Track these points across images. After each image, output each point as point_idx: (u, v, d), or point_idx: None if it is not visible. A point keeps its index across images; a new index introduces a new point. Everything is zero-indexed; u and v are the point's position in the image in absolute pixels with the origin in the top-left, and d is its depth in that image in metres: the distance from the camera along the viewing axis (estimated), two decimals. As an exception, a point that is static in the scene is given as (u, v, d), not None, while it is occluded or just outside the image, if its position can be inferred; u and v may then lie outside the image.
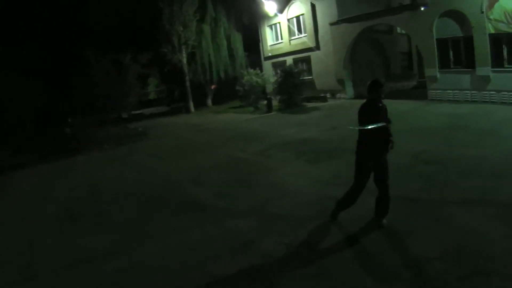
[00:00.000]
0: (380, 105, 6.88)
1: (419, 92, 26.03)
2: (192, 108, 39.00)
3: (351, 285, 5.52)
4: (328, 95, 31.64)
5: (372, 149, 6.89)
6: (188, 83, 38.65)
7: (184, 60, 37.59)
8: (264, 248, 6.96)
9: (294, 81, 29.58)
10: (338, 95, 31.38)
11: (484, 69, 19.93)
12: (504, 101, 19.16)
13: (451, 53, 22.06)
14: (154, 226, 8.93)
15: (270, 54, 38.98)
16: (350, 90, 30.26)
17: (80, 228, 9.50)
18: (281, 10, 35.50)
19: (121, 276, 6.66)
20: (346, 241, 6.85)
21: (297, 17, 34.58)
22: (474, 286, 5.04)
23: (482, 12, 19.27)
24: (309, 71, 34.25)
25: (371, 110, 6.82)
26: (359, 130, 6.89)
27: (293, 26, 35.15)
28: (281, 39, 37.14)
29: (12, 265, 7.89)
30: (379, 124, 6.55)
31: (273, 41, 38.63)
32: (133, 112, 40.64)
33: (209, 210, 9.47)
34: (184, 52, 37.34)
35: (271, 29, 38.47)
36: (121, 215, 10.12)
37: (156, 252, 7.44)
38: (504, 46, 19.24)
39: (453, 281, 5.17)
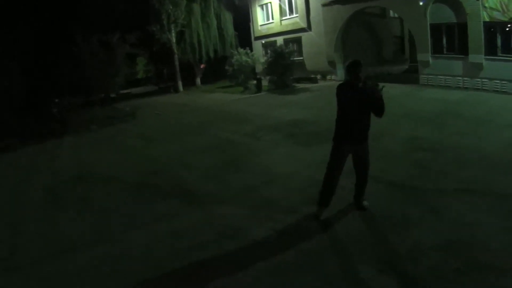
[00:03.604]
0: (360, 86, 6.52)
1: (411, 76, 25.93)
2: (180, 88, 38.79)
3: (344, 275, 5.38)
4: (318, 77, 31.46)
5: (344, 134, 6.72)
6: (177, 63, 38.43)
7: (173, 40, 37.32)
8: (254, 235, 6.79)
9: (284, 61, 29.41)
10: (328, 77, 31.21)
11: (477, 57, 19.80)
12: (496, 89, 19.04)
13: (444, 39, 21.90)
14: (140, 212, 8.71)
15: (260, 34, 38.57)
16: (340, 72, 30.01)
17: (64, 214, 9.24)
18: (272, -11, 35.11)
19: (106, 265, 6.44)
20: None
21: (289, -3, 34.18)
22: (470, 278, 4.92)
23: (478, 0, 19.04)
24: (300, 52, 33.95)
25: (344, 92, 6.66)
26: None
27: (285, 6, 34.82)
28: (272, 19, 36.81)
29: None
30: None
31: (264, 21, 38.29)
32: (121, 92, 40.31)
33: (198, 195, 9.27)
34: (173, 31, 37.06)
35: (262, 8, 38.10)
36: (107, 200, 9.88)
37: (142, 240, 7.24)
38: (498, 35, 19.08)
39: (450, 273, 5.05)
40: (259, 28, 38.68)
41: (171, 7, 35.81)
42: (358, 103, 6.44)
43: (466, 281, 4.88)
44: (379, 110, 6.50)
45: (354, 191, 7.16)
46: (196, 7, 38.06)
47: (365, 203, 7.09)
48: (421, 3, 22.17)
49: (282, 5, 34.89)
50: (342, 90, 6.68)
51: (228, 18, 40.96)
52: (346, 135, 6.68)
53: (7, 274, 6.68)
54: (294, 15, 33.89)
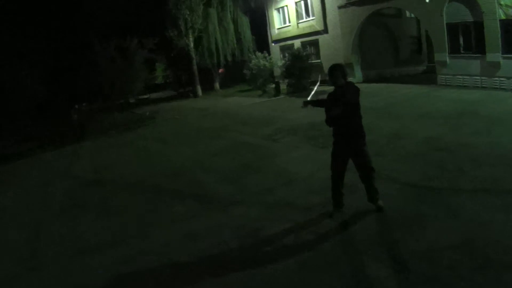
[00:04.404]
0: (337, 89, 6.72)
1: (428, 77, 25.71)
2: (199, 92, 38.96)
3: (360, 275, 5.43)
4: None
5: (336, 138, 6.96)
6: (195, 67, 38.61)
7: (191, 44, 37.51)
8: (271, 235, 6.90)
9: (302, 64, 29.38)
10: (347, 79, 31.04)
11: (494, 55, 19.59)
12: (514, 88, 18.82)
13: (461, 38, 21.70)
14: (159, 213, 8.89)
15: (277, 38, 38.58)
16: (358, 74, 29.95)
17: (84, 217, 9.47)
18: (288, -7, 35.13)
19: (126, 266, 6.61)
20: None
21: (305, 0, 34.15)
22: (487, 278, 4.90)
23: (493, -2, 18.94)
24: (317, 54, 33.85)
25: (328, 100, 6.92)
26: None
27: (301, 9, 34.75)
28: (289, 22, 36.73)
29: (15, 255, 7.88)
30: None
31: (281, 25, 38.21)
32: (140, 97, 40.62)
33: (216, 197, 9.40)
34: (190, 36, 37.23)
35: (279, 12, 38.07)
36: (127, 202, 10.08)
37: (161, 241, 7.39)
38: (515, 32, 18.89)
39: (466, 273, 5.03)
40: (276, 31, 38.66)
41: (188, 13, 36.02)
42: (337, 100, 6.59)
43: (482, 280, 4.87)
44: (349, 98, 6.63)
45: (366, 194, 7.19)
46: (213, 12, 38.25)
47: (380, 203, 7.11)
48: (427, 0, 22.09)
49: (298, 9, 34.87)
50: (329, 96, 6.88)
51: (245, 22, 41.05)
52: (340, 137, 6.86)
53: (28, 274, 6.90)
54: (311, 17, 33.81)
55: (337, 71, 6.70)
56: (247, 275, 5.78)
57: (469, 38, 21.20)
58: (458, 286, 4.86)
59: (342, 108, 6.47)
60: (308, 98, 7.27)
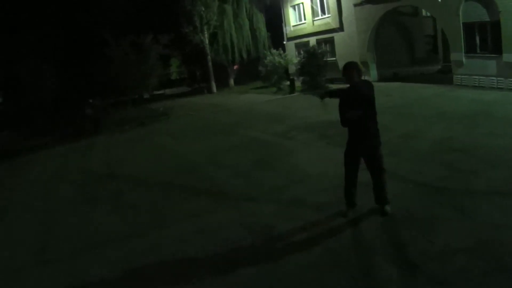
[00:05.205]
0: (352, 89, 6.62)
1: (444, 77, 25.55)
2: (214, 89, 39.03)
3: (371, 275, 5.43)
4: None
5: (350, 137, 6.86)
6: (210, 64, 38.67)
7: (206, 41, 37.58)
8: (282, 232, 6.91)
9: (317, 62, 29.38)
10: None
11: (511, 56, 19.44)
12: (531, 89, 18.63)
13: (477, 38, 21.52)
14: (172, 209, 8.95)
15: (293, 35, 38.52)
16: (374, 72, 29.83)
17: (96, 211, 9.56)
18: (304, -10, 35.05)
19: (138, 261, 6.65)
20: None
21: (321, -3, 34.09)
22: (499, 281, 4.87)
23: (510, -3, 18.75)
24: (333, 52, 33.71)
25: (341, 98, 6.77)
26: None
27: (316, 6, 34.66)
28: (304, 19, 36.70)
29: (27, 248, 7.97)
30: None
31: (296, 22, 38.20)
32: (154, 93, 40.76)
33: (229, 193, 9.45)
34: (206, 32, 37.32)
35: (294, 9, 38.04)
36: (139, 197, 10.16)
37: (174, 236, 7.43)
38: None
39: (478, 276, 4.99)
40: (292, 28, 38.61)
41: (203, 9, 36.09)
42: (354, 101, 6.51)
43: (494, 284, 4.84)
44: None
45: (374, 195, 7.13)
46: (228, 8, 38.30)
47: (387, 208, 7.00)
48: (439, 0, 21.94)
49: (314, 6, 34.79)
50: (342, 95, 6.78)
51: (260, 19, 41.05)
52: (353, 136, 6.79)
53: (39, 267, 6.98)
54: (326, 15, 33.73)
55: (352, 69, 6.67)
56: (258, 272, 5.79)
57: (485, 37, 21.02)
58: (469, 289, 4.82)
59: (362, 112, 6.43)
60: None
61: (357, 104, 6.45)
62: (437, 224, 6.45)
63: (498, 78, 20.16)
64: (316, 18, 35.16)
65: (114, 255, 6.94)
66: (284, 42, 39.31)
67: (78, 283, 6.28)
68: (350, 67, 6.72)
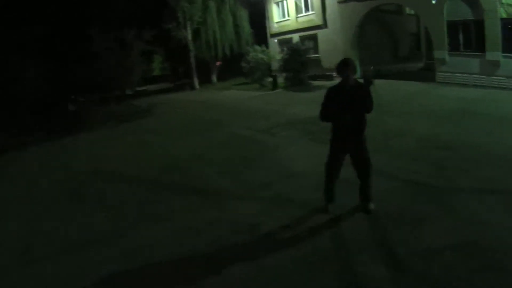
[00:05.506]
0: (348, 88, 6.48)
1: (427, 74, 25.71)
2: (196, 85, 38.91)
3: (357, 273, 5.35)
4: (334, 74, 31.32)
5: (333, 134, 6.81)
6: (193, 60, 38.55)
7: (189, 37, 37.45)
8: (268, 231, 6.83)
9: (300, 58, 29.40)
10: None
11: (494, 54, 19.61)
12: (514, 87, 18.83)
13: (461, 36, 21.70)
14: (156, 207, 8.77)
15: (276, 31, 38.45)
16: (357, 70, 29.84)
17: (80, 210, 9.32)
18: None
19: (123, 261, 6.49)
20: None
21: (305, -6, 34.08)
22: (486, 280, 4.85)
23: (495, -4, 18.91)
24: (316, 49, 33.71)
25: (331, 95, 6.65)
26: None
27: (300, 3, 34.61)
28: (288, 16, 36.59)
29: (9, 249, 7.72)
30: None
31: (280, 18, 38.07)
32: (137, 89, 40.51)
33: (213, 192, 9.31)
34: (189, 28, 37.11)
35: (278, 5, 37.93)
36: (123, 196, 9.95)
37: (159, 235, 7.28)
38: (515, 32, 18.89)
39: (465, 274, 4.98)
40: (275, 25, 38.52)
41: (186, 4, 35.90)
42: (349, 102, 6.41)
43: (480, 282, 4.83)
44: (369, 106, 6.52)
45: (360, 192, 7.06)
46: (212, 4, 38.14)
47: (371, 206, 6.95)
48: (433, 2, 22.00)
49: (298, 2, 34.74)
50: (332, 92, 6.65)
51: (244, 15, 40.95)
52: (340, 134, 6.68)
53: (23, 269, 6.76)
54: (310, 12, 33.69)
55: (350, 66, 6.49)
56: (243, 272, 5.70)
57: (469, 36, 21.23)
58: (456, 287, 4.81)
59: (351, 116, 6.38)
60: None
61: (348, 102, 6.39)
62: (424, 222, 6.42)
63: (481, 76, 20.36)
64: (299, 15, 35.09)
65: (100, 256, 6.75)
66: (268, 39, 39.23)
67: (63, 285, 6.13)
68: (347, 64, 6.50)
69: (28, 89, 29.44)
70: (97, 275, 6.14)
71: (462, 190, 7.56)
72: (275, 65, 33.61)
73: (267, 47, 34.95)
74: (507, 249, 5.41)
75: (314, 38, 33.82)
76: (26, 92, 29.38)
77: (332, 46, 31.21)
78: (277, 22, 38.19)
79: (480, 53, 20.37)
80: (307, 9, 34.14)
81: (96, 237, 7.58)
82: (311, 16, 33.52)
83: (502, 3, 18.71)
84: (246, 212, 7.78)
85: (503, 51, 19.32)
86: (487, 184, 7.72)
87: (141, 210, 8.76)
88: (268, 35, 39.57)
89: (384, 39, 31.78)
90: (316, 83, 29.34)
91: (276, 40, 38.14)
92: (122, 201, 9.51)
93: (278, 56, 32.50)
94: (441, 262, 5.29)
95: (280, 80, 30.64)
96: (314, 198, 7.67)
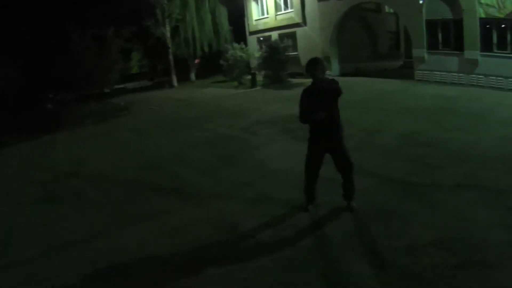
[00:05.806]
0: (318, 87, 6.43)
1: (406, 72, 25.93)
2: (175, 83, 38.64)
3: (341, 272, 5.32)
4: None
5: (311, 134, 6.76)
6: (171, 57, 38.25)
7: (168, 34, 37.14)
8: (250, 230, 6.76)
9: (279, 56, 29.36)
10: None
11: (472, 53, 19.86)
12: (491, 85, 19.09)
13: (440, 35, 21.91)
14: (135, 207, 8.63)
15: (255, 29, 38.42)
16: (336, 67, 29.97)
17: (58, 211, 9.13)
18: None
19: (101, 262, 6.34)
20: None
21: (284, -8, 34.08)
22: (468, 274, 4.89)
23: (474, -4, 19.13)
24: (295, 47, 33.71)
25: (304, 95, 6.61)
26: None
27: (279, 0, 34.63)
28: (267, 14, 36.61)
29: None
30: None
31: (259, 16, 38.07)
32: (115, 87, 40.12)
33: (193, 191, 9.20)
34: (167, 26, 36.85)
35: (257, 3, 37.90)
36: (101, 196, 9.78)
37: (139, 236, 7.15)
38: (493, 31, 19.19)
39: (449, 270, 5.01)
40: (254, 23, 38.48)
41: (165, 2, 35.66)
42: (322, 100, 6.37)
43: (464, 277, 4.84)
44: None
45: (343, 191, 7.02)
46: (191, 2, 37.87)
47: (353, 204, 6.96)
48: (420, 2, 22.13)
49: (277, 0, 34.75)
50: (307, 92, 6.60)
51: (223, 13, 40.78)
52: (317, 131, 6.64)
53: (1, 272, 6.60)
54: (289, 10, 33.73)
55: (317, 65, 6.42)
56: (224, 273, 5.64)
57: (448, 35, 21.46)
58: (440, 284, 4.81)
59: (326, 113, 6.28)
60: None
61: (321, 101, 6.33)
62: (405, 219, 6.44)
63: (460, 74, 20.60)
64: (279, 13, 35.10)
65: (79, 257, 6.60)
66: (247, 36, 39.17)
67: (39, 286, 5.98)
68: (315, 63, 6.47)
69: (3, 87, 28.94)
70: (75, 278, 5.99)
71: (442, 186, 7.62)
72: (254, 63, 33.57)
73: (246, 44, 34.93)
74: (489, 245, 5.45)
75: (293, 36, 33.81)
76: (1, 91, 28.88)
77: (311, 44, 31.26)
78: (256, 20, 38.17)
79: (458, 52, 20.60)
80: (286, 6, 34.21)
81: (74, 238, 7.40)
82: (290, 14, 33.56)
83: (481, 3, 18.93)
84: (227, 211, 7.71)
85: (481, 50, 19.57)
86: (466, 180, 7.79)
87: (120, 210, 8.61)
88: (247, 33, 39.54)
89: (364, 37, 31.98)
90: (295, 80, 29.32)
91: (256, 38, 38.09)
92: (100, 202, 9.34)
93: (257, 54, 32.47)
94: (425, 259, 5.30)
95: (259, 78, 30.61)
96: (296, 196, 7.64)
